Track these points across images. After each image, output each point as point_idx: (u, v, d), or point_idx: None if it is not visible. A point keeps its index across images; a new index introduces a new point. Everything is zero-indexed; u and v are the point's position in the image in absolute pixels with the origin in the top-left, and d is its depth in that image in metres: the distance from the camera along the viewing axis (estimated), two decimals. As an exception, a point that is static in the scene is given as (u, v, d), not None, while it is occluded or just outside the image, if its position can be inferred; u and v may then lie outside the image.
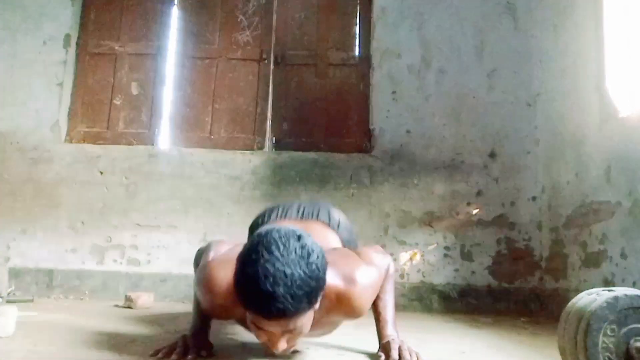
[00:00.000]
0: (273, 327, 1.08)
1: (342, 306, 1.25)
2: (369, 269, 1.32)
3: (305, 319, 1.11)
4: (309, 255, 1.06)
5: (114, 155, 3.16)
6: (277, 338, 1.11)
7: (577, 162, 2.61)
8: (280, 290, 1.02)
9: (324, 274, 1.10)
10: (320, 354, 1.45)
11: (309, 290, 1.05)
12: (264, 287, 1.01)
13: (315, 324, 1.20)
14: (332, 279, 1.20)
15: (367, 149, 3.17)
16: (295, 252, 1.05)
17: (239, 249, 1.16)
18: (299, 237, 1.08)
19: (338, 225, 1.64)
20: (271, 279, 1.02)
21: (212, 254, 1.36)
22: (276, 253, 1.04)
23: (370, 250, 1.44)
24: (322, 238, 1.40)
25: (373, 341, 1.47)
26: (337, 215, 1.69)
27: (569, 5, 2.75)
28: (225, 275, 1.20)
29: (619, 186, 2.20)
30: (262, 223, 1.62)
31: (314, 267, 1.06)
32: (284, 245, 1.05)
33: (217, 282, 1.23)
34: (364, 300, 1.30)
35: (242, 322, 1.32)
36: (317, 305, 1.12)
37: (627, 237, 2.13)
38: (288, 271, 1.02)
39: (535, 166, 3.08)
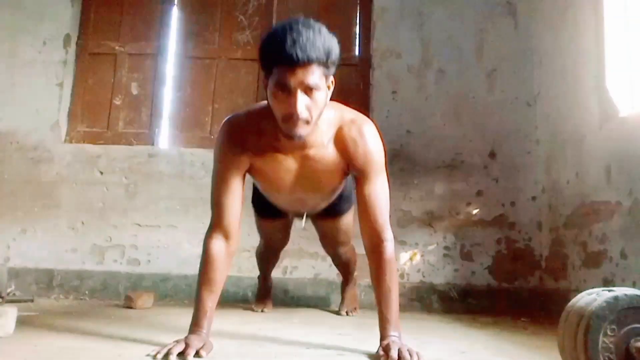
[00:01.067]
0: (293, 77, 1.29)
1: (351, 139, 1.49)
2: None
3: (321, 83, 1.33)
4: (326, 32, 1.33)
5: (113, 155, 3.16)
6: (296, 97, 1.30)
7: (577, 162, 2.61)
8: (303, 38, 1.26)
9: (337, 49, 1.35)
10: (320, 354, 1.45)
11: (326, 46, 1.30)
12: (289, 37, 1.26)
13: (323, 164, 1.51)
14: (350, 113, 1.54)
15: (367, 149, 3.17)
16: (316, 25, 1.32)
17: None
18: (318, 22, 1.34)
19: None
20: (295, 32, 1.27)
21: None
22: (299, 21, 1.30)
23: None
24: None
25: (373, 341, 1.47)
26: None
27: (569, 5, 2.75)
28: (241, 117, 1.53)
29: (619, 186, 2.20)
30: None
31: (331, 38, 1.33)
32: (306, 20, 1.32)
33: (234, 122, 1.53)
34: (371, 141, 1.52)
35: (253, 172, 1.57)
36: (330, 82, 1.40)
37: (627, 237, 2.13)
38: (309, 30, 1.28)
39: (535, 166, 3.08)
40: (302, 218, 2.09)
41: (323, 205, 1.94)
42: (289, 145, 1.48)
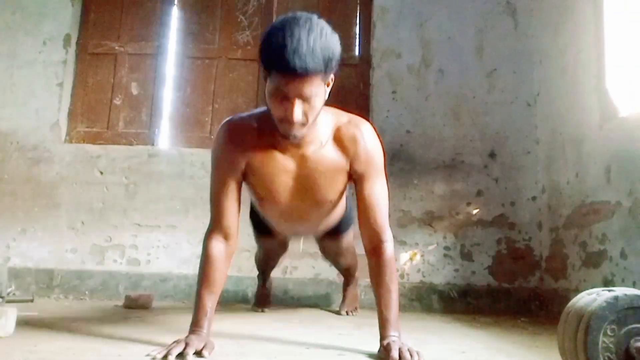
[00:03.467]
0: (292, 87, 1.26)
1: (350, 137, 1.48)
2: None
3: (319, 90, 1.31)
4: (328, 33, 1.28)
5: (113, 155, 3.16)
6: (294, 105, 1.29)
7: (577, 162, 2.61)
8: (303, 47, 1.21)
9: (338, 51, 1.31)
10: (320, 354, 1.45)
11: (326, 55, 1.25)
12: (289, 43, 1.21)
13: (324, 164, 1.48)
14: (347, 115, 1.52)
15: (367, 149, 3.17)
16: (318, 26, 1.26)
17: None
18: (321, 20, 1.29)
19: None
20: (296, 39, 1.21)
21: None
22: (301, 22, 1.24)
23: None
24: None
25: (373, 341, 1.47)
26: None
27: (569, 5, 2.75)
28: (239, 119, 1.53)
29: (619, 186, 2.20)
30: None
31: (332, 41, 1.28)
32: (309, 20, 1.26)
33: (231, 125, 1.52)
34: (371, 140, 1.51)
35: (254, 173, 1.52)
36: (330, 80, 1.36)
37: (627, 237, 2.13)
38: (311, 36, 1.22)
39: (535, 166, 3.08)
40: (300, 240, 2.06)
41: (322, 226, 1.91)
42: (288, 144, 1.46)
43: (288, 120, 1.32)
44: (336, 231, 2.08)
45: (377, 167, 1.52)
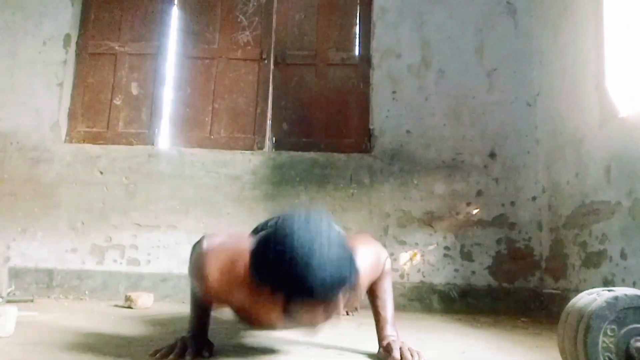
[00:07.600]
0: (318, 310, 1.05)
1: None
2: (367, 248, 1.41)
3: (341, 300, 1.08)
4: (341, 241, 1.07)
5: (113, 155, 3.16)
6: (318, 319, 1.08)
7: (577, 162, 2.61)
8: (327, 273, 1.00)
9: (356, 267, 1.09)
10: (320, 353, 1.45)
11: (349, 272, 1.05)
12: (312, 273, 0.99)
13: None
14: None
15: (367, 149, 3.18)
16: (330, 238, 1.05)
17: (233, 240, 1.29)
18: (329, 223, 1.09)
19: None
20: (315, 266, 1.00)
21: (205, 244, 1.28)
22: (316, 240, 1.03)
23: (369, 237, 1.55)
24: None
25: (373, 341, 1.47)
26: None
27: (569, 5, 2.75)
28: (220, 264, 1.20)
29: (619, 186, 2.20)
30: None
31: (348, 252, 1.07)
32: (317, 232, 1.04)
33: (212, 271, 1.21)
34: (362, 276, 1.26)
35: (238, 310, 1.31)
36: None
37: (627, 237, 2.13)
38: (331, 257, 1.02)
39: (535, 166, 3.08)
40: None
41: None
42: None
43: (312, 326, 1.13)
44: None
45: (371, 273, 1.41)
